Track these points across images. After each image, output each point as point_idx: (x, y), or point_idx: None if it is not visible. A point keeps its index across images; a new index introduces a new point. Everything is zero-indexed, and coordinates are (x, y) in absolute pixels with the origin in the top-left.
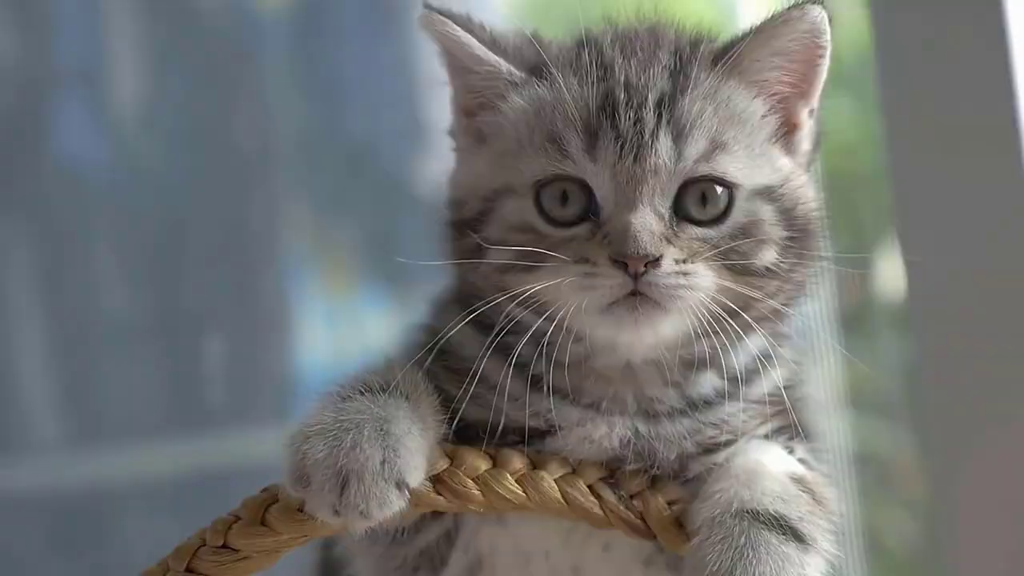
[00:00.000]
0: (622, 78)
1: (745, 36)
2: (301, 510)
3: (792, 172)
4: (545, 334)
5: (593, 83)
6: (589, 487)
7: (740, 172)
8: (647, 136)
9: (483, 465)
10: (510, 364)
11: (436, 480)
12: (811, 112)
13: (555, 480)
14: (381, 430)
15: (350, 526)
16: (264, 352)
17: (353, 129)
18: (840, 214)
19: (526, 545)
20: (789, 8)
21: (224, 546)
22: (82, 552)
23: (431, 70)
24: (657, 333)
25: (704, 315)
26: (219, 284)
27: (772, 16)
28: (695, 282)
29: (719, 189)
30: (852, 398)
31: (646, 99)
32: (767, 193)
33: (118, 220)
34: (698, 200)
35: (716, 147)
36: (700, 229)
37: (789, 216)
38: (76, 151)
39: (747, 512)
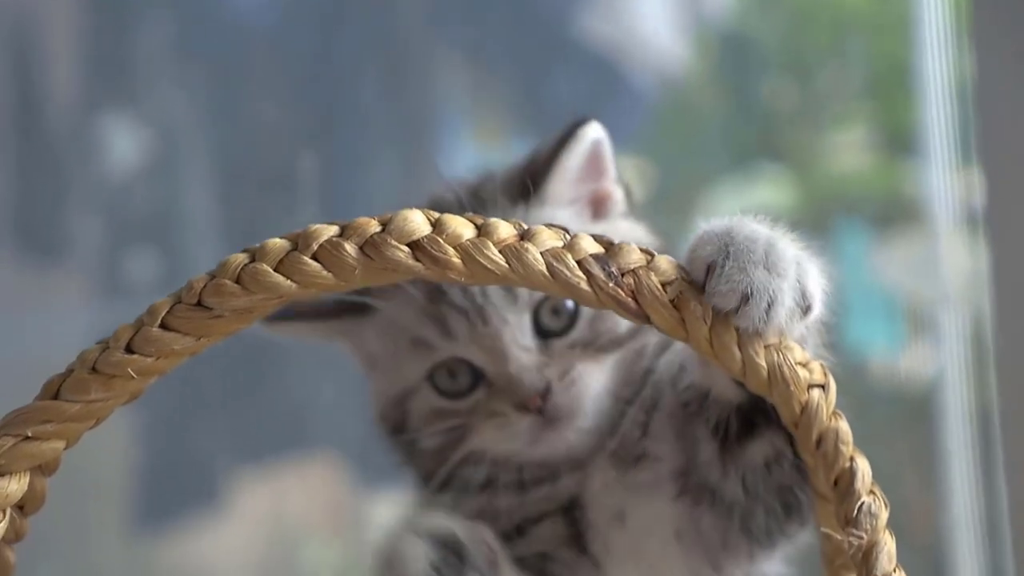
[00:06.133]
0: None
1: (541, 169)
2: (277, 270)
3: (612, 228)
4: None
5: (414, 280)
6: (578, 262)
7: None
8: (479, 298)
9: (467, 233)
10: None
11: (415, 246)
12: (615, 179)
13: (541, 253)
14: None
15: None
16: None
17: None
18: None
19: None
20: (567, 138)
21: (198, 304)
22: (247, 395)
23: None
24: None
25: (613, 387)
26: (373, 136)
27: (560, 146)
28: (585, 383)
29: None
30: None
31: None
32: None
33: (282, 71)
34: (551, 314)
35: None
36: (564, 338)
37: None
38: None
39: None
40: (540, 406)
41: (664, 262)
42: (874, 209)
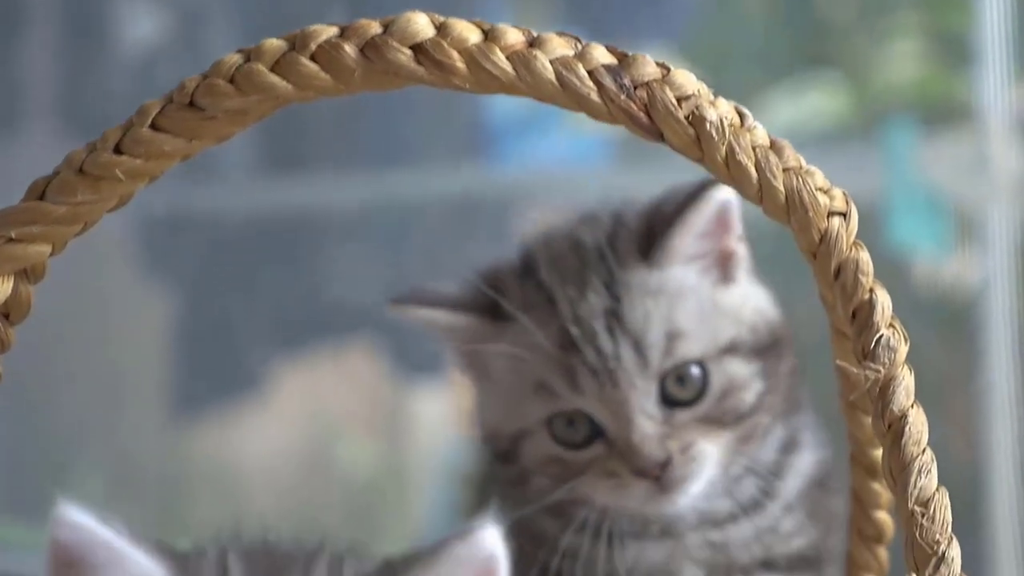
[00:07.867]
0: (569, 312)
1: (664, 224)
2: (273, 71)
3: (744, 296)
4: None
5: (546, 322)
6: (589, 72)
7: (702, 344)
8: (611, 361)
9: (473, 37)
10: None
11: (418, 49)
12: (739, 237)
13: (550, 61)
14: None
15: None
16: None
17: None
18: None
19: None
20: (696, 195)
21: (191, 104)
22: (275, 275)
23: None
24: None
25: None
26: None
27: (688, 203)
28: (703, 459)
29: (693, 368)
30: None
31: (595, 329)
32: (733, 345)
33: None
34: (677, 383)
35: (673, 336)
36: (689, 410)
37: (756, 344)
38: None
39: None
40: (658, 475)
41: (681, 76)
42: (925, 113)
